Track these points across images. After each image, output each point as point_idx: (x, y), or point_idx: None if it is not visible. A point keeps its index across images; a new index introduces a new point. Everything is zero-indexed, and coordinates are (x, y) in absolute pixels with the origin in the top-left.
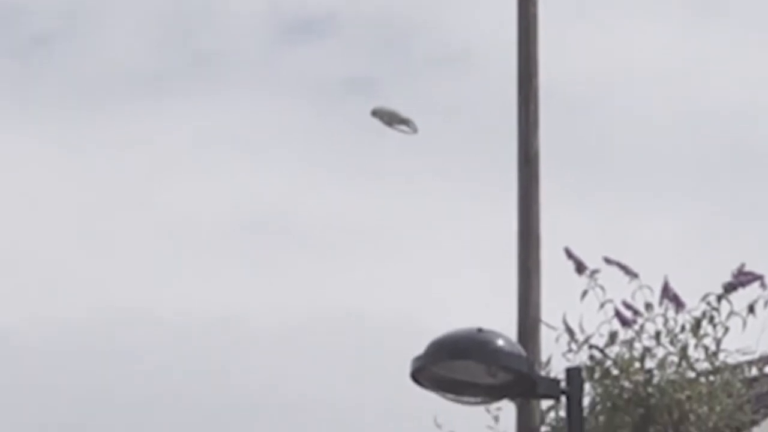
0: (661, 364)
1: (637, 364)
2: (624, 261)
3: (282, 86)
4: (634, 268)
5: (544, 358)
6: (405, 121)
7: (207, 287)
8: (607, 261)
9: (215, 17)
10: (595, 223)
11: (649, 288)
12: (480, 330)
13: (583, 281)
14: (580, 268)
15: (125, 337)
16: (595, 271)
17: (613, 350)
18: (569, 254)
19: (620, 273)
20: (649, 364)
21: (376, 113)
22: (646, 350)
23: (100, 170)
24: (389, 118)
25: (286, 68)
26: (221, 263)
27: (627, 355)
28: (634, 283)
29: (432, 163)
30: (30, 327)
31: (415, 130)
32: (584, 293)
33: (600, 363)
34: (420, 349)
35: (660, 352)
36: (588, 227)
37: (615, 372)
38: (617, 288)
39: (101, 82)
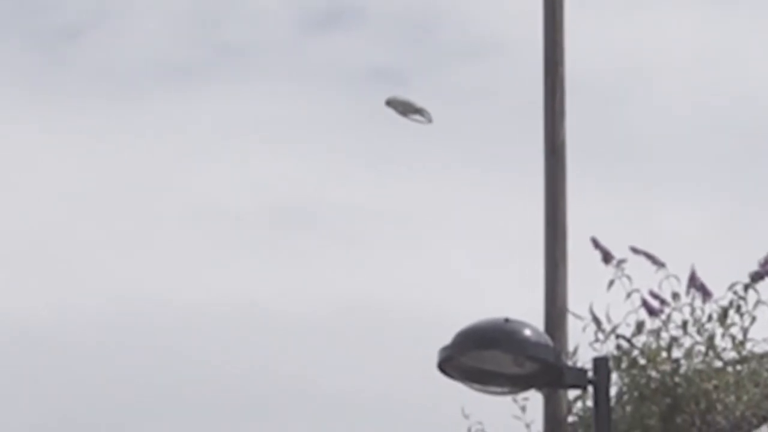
0: (688, 354)
1: (664, 354)
2: (651, 251)
3: (308, 76)
4: (661, 258)
5: (571, 347)
6: (419, 111)
7: (231, 276)
8: (634, 251)
9: (242, 7)
10: (621, 212)
11: (676, 277)
12: (507, 320)
13: (609, 271)
14: (606, 257)
15: (147, 324)
16: (621, 261)
17: (640, 340)
18: (596, 244)
19: (647, 263)
20: (676, 353)
21: (390, 103)
22: (673, 340)
23: (126, 160)
24: (404, 108)
25: (312, 58)
26: (245, 252)
27: (654, 345)
28: (661, 273)
29: (458, 152)
30: (51, 315)
31: (429, 120)
32: (611, 283)
33: (627, 353)
34: (447, 339)
35: (687, 342)
36: (615, 217)
37: (642, 362)
38: (644, 278)
39: (128, 73)
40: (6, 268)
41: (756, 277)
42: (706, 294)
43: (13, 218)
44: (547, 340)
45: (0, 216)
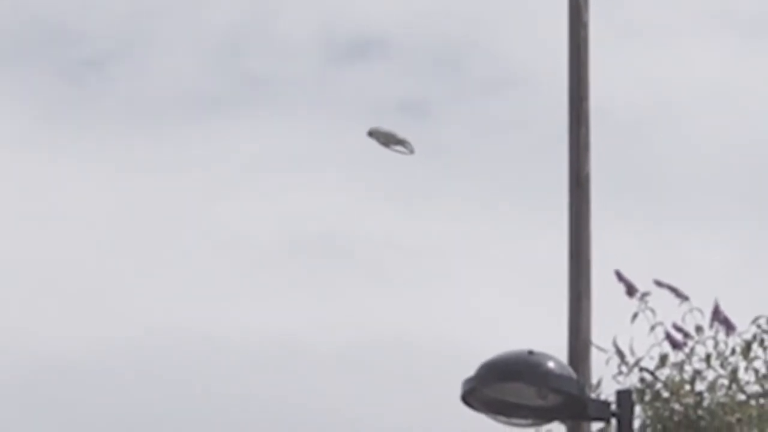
0: (712, 387)
1: (687, 387)
2: (675, 284)
3: (335, 108)
4: (685, 291)
5: (594, 380)
6: (401, 142)
7: (261, 309)
8: (658, 284)
9: (269, 40)
10: (645, 245)
11: (700, 311)
12: (531, 352)
13: (633, 304)
14: (630, 290)
15: (178, 356)
16: (645, 294)
17: (664, 373)
18: (620, 277)
19: (671, 296)
20: (700, 386)
21: (372, 134)
22: (697, 373)
23: (156, 192)
24: (385, 139)
25: (339, 90)
26: (274, 285)
27: (677, 378)
28: (685, 306)
29: (484, 185)
30: (81, 346)
31: (411, 151)
32: (635, 316)
33: (650, 385)
34: (470, 371)
35: (710, 375)
36: (638, 250)
37: (665, 394)
38: (668, 311)
39: (156, 104)
40: (36, 299)
41: None
42: (729, 327)
43: (39, 250)
44: (570, 372)
45: (25, 248)
